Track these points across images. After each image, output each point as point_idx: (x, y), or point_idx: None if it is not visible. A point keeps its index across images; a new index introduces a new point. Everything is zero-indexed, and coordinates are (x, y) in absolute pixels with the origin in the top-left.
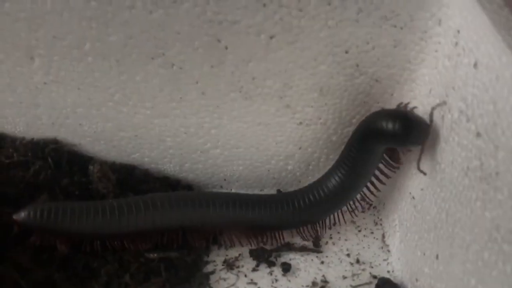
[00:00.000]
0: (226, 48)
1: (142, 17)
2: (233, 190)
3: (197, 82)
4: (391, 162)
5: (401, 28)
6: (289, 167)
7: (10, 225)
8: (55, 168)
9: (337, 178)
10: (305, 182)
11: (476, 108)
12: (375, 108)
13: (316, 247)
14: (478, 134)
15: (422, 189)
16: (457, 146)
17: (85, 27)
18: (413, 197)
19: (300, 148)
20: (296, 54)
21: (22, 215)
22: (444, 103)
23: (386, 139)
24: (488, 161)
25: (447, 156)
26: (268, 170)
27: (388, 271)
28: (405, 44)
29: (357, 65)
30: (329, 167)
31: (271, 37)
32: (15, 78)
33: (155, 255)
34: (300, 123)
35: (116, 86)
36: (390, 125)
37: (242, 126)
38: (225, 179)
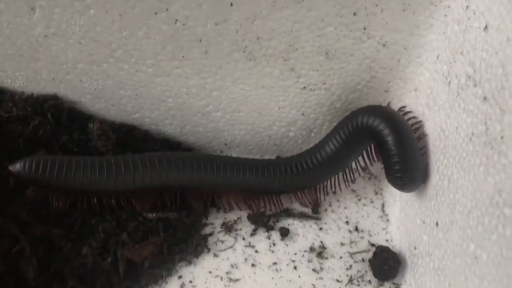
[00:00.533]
0: (231, 4)
1: None
2: (233, 155)
3: (200, 40)
4: None
5: None
6: (291, 134)
7: (8, 179)
8: (54, 124)
9: (332, 145)
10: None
11: (484, 73)
12: (381, 74)
13: (315, 214)
14: (485, 99)
15: None
16: (462, 112)
17: None
18: None
19: (303, 114)
20: (302, 14)
21: (17, 166)
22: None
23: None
24: (493, 125)
25: (452, 122)
26: (270, 136)
27: (387, 240)
28: (414, 8)
29: (365, 28)
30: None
31: None
32: (15, 29)
33: (154, 215)
34: (304, 87)
35: (118, 41)
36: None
37: (245, 88)
38: (225, 144)
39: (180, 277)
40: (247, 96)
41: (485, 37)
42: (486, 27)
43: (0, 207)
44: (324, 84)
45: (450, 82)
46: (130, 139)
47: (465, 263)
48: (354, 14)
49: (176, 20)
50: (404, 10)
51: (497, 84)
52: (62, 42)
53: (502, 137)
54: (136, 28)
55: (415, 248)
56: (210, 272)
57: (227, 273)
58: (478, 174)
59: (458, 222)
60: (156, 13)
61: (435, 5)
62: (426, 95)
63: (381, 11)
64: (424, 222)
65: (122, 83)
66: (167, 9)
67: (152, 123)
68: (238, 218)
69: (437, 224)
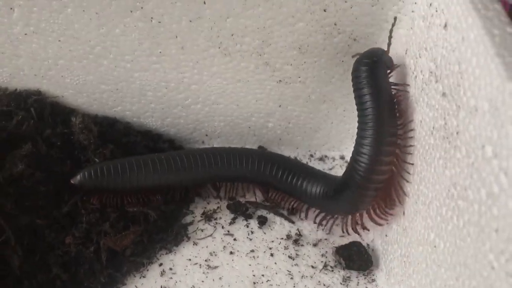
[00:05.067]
0: (204, 2)
1: None
2: (214, 145)
3: (176, 37)
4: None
5: None
6: (270, 125)
7: None
8: (37, 119)
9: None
10: (285, 139)
11: (444, 69)
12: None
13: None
14: (444, 94)
15: None
16: (426, 107)
17: None
18: None
19: (280, 106)
20: (274, 11)
21: (78, 178)
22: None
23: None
24: (450, 120)
25: (417, 116)
26: (249, 127)
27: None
28: (383, 4)
29: (335, 24)
30: (308, 124)
31: None
32: None
33: (135, 209)
34: (280, 81)
35: (96, 38)
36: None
37: (222, 82)
38: (206, 135)
39: (160, 264)
40: (225, 90)
41: (445, 35)
42: (445, 25)
43: None
44: (299, 77)
45: (416, 77)
46: (112, 132)
47: (426, 251)
48: (324, 10)
49: (152, 17)
50: (373, 6)
51: (454, 81)
52: (42, 40)
53: (457, 133)
54: (113, 25)
55: (386, 235)
56: (190, 259)
57: (206, 260)
58: (438, 167)
59: (421, 212)
60: (131, 11)
61: (403, 1)
62: None
63: (351, 7)
64: None
65: (102, 78)
66: (142, 8)
67: (134, 116)
68: (218, 207)
69: (403, 213)
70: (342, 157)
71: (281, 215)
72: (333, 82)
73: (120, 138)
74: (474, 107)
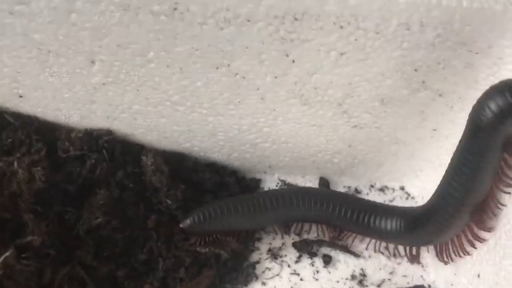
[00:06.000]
0: (293, 61)
1: (212, 33)
2: (275, 175)
3: (258, 89)
4: None
5: (476, 53)
6: (335, 160)
7: (73, 225)
8: (109, 160)
9: None
10: (348, 173)
11: None
12: (432, 117)
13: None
14: None
15: None
16: None
17: (152, 38)
18: None
19: (349, 146)
20: (364, 70)
21: (187, 222)
22: None
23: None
24: None
25: None
26: (313, 162)
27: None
28: (477, 67)
29: (423, 82)
30: (374, 160)
31: (342, 54)
32: (73, 78)
33: (207, 249)
34: (355, 126)
35: (176, 89)
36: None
37: (296, 126)
38: (269, 166)
39: None
40: (297, 132)
41: None
42: None
43: (67, 253)
44: (375, 123)
45: None
46: (181, 169)
47: None
48: (415, 70)
49: (236, 73)
50: (466, 67)
51: None
52: (119, 89)
53: None
54: (195, 79)
55: (455, 274)
56: None
57: None
58: None
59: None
60: (217, 68)
61: (499, 66)
62: None
63: (443, 68)
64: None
65: (176, 121)
66: (228, 65)
67: (201, 151)
68: (283, 244)
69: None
70: (402, 188)
71: (346, 250)
72: (410, 128)
73: (189, 176)
74: None
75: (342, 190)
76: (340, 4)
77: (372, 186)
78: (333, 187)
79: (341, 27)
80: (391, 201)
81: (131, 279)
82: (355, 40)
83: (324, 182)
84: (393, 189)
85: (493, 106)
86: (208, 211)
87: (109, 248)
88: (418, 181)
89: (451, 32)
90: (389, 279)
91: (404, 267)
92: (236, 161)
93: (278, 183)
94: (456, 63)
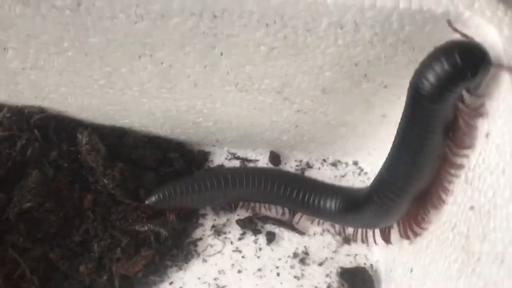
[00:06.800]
0: (221, 54)
1: (126, 26)
2: (225, 148)
3: (189, 76)
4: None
5: (420, 51)
6: (284, 138)
7: (2, 209)
8: (42, 139)
9: None
10: (298, 148)
11: None
12: (379, 103)
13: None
14: None
15: None
16: None
17: (61, 29)
18: None
19: (296, 127)
20: (298, 63)
21: (153, 199)
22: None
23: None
24: None
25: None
26: (262, 139)
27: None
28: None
29: (365, 75)
30: (324, 139)
31: (272, 49)
32: None
33: (146, 228)
34: (298, 111)
35: (100, 75)
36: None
37: (237, 109)
38: (217, 141)
39: (171, 283)
40: (239, 114)
41: None
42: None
43: None
44: (319, 109)
45: None
46: (120, 146)
47: None
48: (355, 65)
49: (162, 62)
50: (410, 61)
51: None
52: (41, 73)
53: None
54: (118, 66)
55: (390, 270)
56: (199, 278)
57: (215, 279)
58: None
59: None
60: (139, 57)
61: None
62: None
63: (385, 64)
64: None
65: (108, 101)
66: (151, 55)
67: (142, 127)
68: (227, 220)
69: (411, 270)
70: (355, 163)
71: (291, 228)
72: (357, 114)
73: (129, 152)
74: None
75: (294, 163)
76: (261, 4)
77: (324, 160)
78: (284, 160)
79: (267, 25)
80: (343, 176)
81: (66, 259)
82: (284, 37)
83: (274, 156)
84: (346, 164)
85: (431, 76)
86: (173, 188)
87: (43, 230)
88: (371, 158)
89: (389, 31)
90: (331, 258)
91: (349, 246)
92: (181, 135)
93: (228, 156)
94: (399, 59)
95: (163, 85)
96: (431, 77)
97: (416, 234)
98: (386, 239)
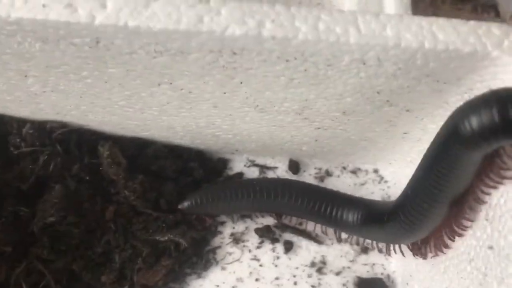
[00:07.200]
0: (241, 83)
1: (145, 60)
2: (244, 156)
3: (208, 100)
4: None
5: (445, 83)
6: (304, 148)
7: (27, 223)
8: (64, 153)
9: None
10: (318, 156)
11: None
12: (401, 125)
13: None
14: None
15: None
16: None
17: (81, 62)
18: None
19: (316, 140)
20: (318, 91)
21: (185, 204)
22: None
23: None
24: None
25: None
26: (281, 149)
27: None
28: (446, 92)
29: (388, 101)
30: (344, 150)
31: (292, 80)
32: (11, 87)
33: (166, 238)
34: (318, 128)
35: (120, 97)
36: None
37: (256, 126)
38: (237, 150)
39: None
40: (258, 130)
41: None
42: None
43: (24, 250)
44: (340, 127)
45: None
46: (141, 157)
47: None
48: (378, 93)
49: (182, 89)
50: (433, 92)
51: None
52: (62, 95)
53: None
54: (138, 91)
55: (410, 276)
56: (218, 286)
57: (233, 287)
58: None
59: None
60: (159, 85)
61: (469, 95)
62: None
63: (408, 92)
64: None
65: (129, 117)
66: (170, 83)
67: (162, 138)
68: (246, 228)
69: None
70: (375, 171)
71: (309, 237)
72: (378, 131)
73: (149, 164)
74: None
75: (313, 171)
76: (281, 43)
77: (344, 168)
78: (303, 168)
79: (287, 60)
80: (362, 184)
81: (89, 270)
82: (305, 70)
83: (293, 164)
84: (366, 171)
85: (475, 121)
86: (205, 194)
87: (66, 242)
88: (391, 167)
89: (413, 66)
90: (348, 267)
91: (366, 255)
92: (201, 145)
93: (247, 164)
94: (422, 88)
95: (183, 106)
96: (474, 122)
97: (435, 255)
98: (423, 254)
